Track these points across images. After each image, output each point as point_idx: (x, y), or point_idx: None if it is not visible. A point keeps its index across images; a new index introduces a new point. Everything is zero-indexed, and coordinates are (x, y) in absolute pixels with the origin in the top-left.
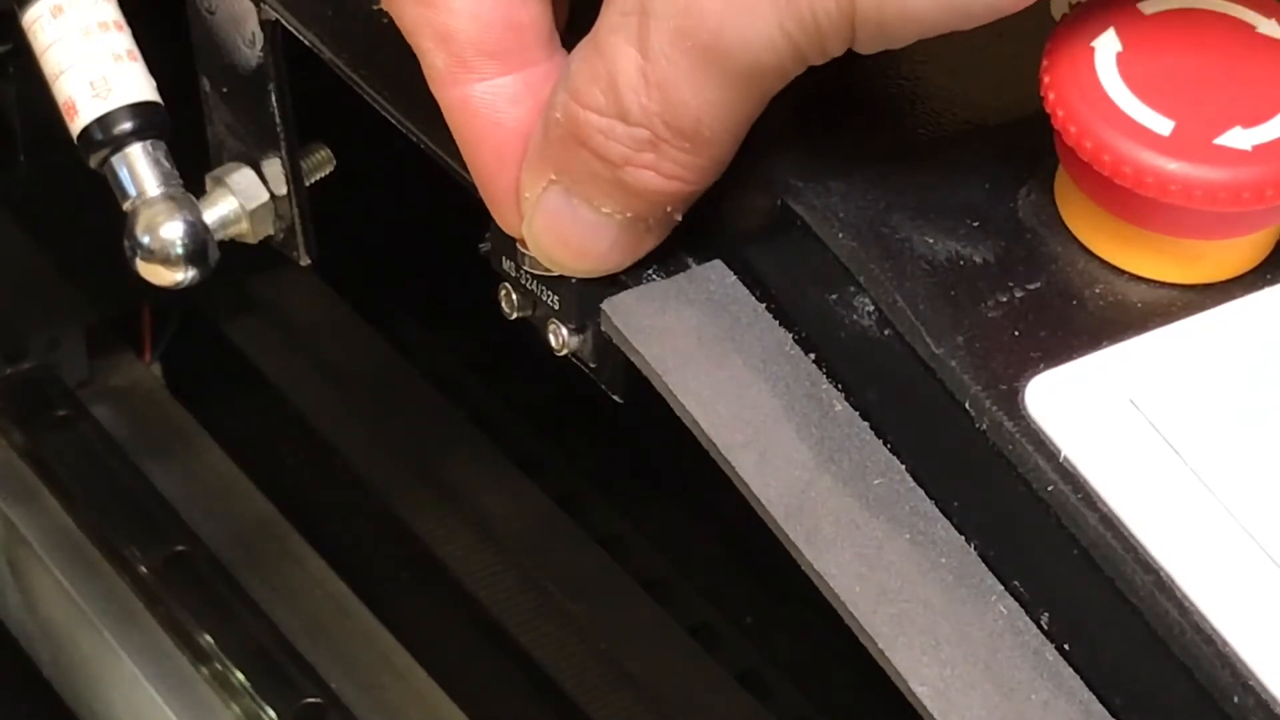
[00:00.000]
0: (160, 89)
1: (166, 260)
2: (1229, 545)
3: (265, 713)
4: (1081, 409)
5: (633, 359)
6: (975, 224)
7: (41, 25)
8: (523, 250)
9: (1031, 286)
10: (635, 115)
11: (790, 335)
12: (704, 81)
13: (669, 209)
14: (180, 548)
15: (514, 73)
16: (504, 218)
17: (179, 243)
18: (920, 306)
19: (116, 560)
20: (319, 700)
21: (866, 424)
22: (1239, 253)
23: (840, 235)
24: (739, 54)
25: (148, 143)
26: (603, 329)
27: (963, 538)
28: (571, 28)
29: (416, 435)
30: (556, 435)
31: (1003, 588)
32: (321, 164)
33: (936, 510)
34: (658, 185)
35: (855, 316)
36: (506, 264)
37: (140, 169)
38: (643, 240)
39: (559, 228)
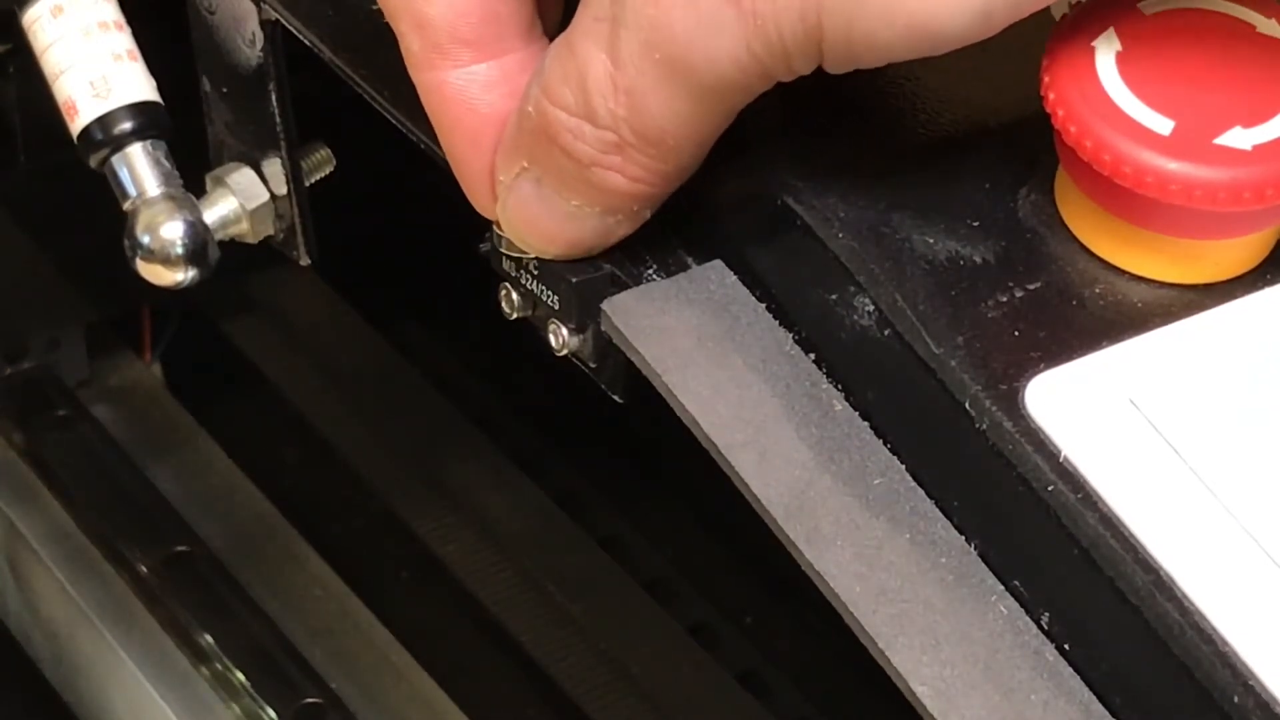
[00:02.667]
0: (160, 89)
1: (166, 260)
2: (1229, 545)
3: (265, 713)
4: (1081, 409)
5: (633, 359)
6: (975, 224)
7: (41, 25)
8: (499, 232)
9: (1031, 286)
10: (603, 119)
11: (790, 335)
12: (670, 93)
13: (636, 208)
14: (180, 548)
15: (489, 60)
16: (477, 199)
17: (179, 243)
18: (920, 306)
19: (116, 560)
20: (319, 700)
21: (866, 424)
22: (1239, 253)
23: (840, 235)
24: (705, 70)
25: (148, 143)
26: (603, 329)
27: (963, 538)
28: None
29: (416, 435)
30: (556, 435)
31: (1003, 588)
32: (321, 164)
33: (936, 510)
34: (623, 187)
35: (855, 316)
36: (506, 264)
37: (140, 169)
38: (613, 231)
39: (530, 214)
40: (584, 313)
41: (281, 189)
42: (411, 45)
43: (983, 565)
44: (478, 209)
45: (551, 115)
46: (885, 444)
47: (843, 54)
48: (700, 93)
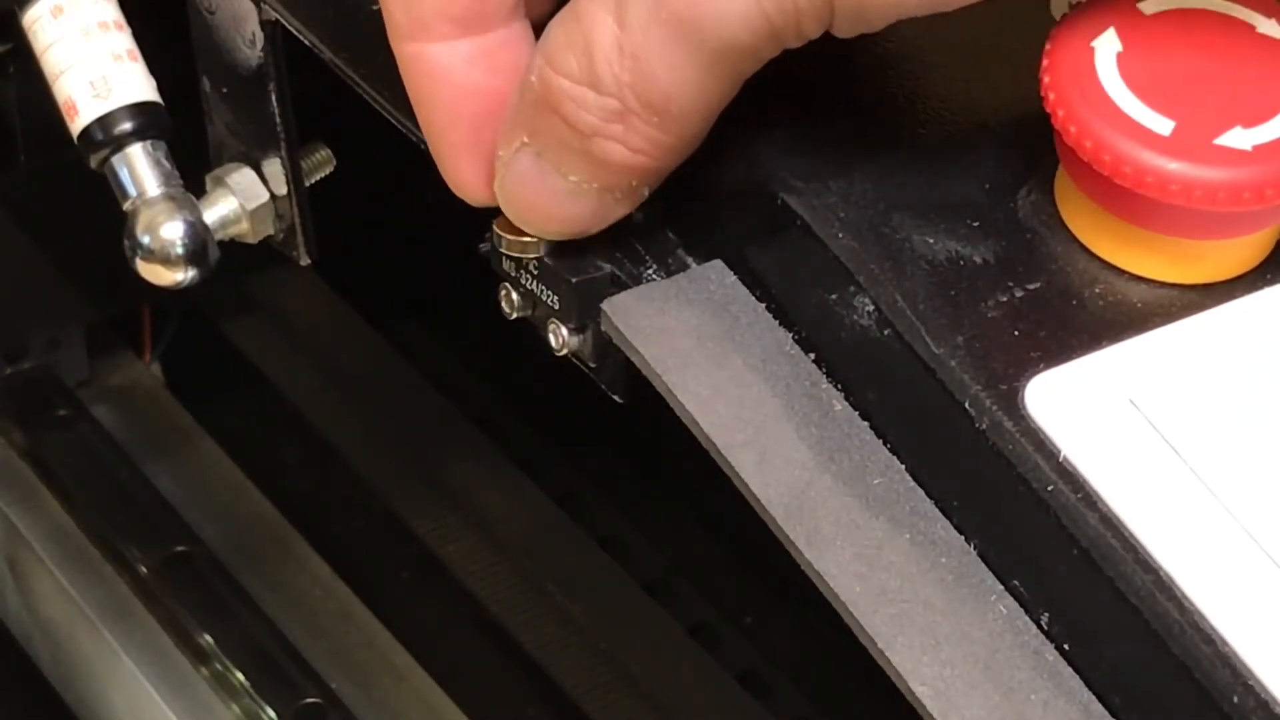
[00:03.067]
0: (160, 89)
1: (166, 260)
2: (1229, 545)
3: (265, 713)
4: (1081, 409)
5: (633, 359)
6: (975, 224)
7: (42, 25)
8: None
9: (1031, 286)
10: (607, 85)
11: (790, 335)
12: (678, 57)
13: (635, 183)
14: (180, 548)
15: (471, 36)
16: (451, 176)
17: (179, 243)
18: (920, 306)
19: (116, 560)
20: (319, 700)
21: (866, 424)
22: (1239, 253)
23: (840, 235)
24: (715, 31)
25: (148, 143)
26: (603, 329)
27: (963, 538)
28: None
29: (416, 435)
30: (556, 435)
31: (1003, 588)
32: (321, 164)
33: (936, 510)
34: (624, 158)
35: (855, 316)
36: (507, 264)
37: (140, 169)
38: (610, 210)
39: (527, 191)
40: (584, 313)
41: (281, 189)
42: (396, 17)
43: (983, 565)
44: (450, 185)
45: (554, 84)
46: (885, 444)
47: (853, 14)
48: (708, 57)
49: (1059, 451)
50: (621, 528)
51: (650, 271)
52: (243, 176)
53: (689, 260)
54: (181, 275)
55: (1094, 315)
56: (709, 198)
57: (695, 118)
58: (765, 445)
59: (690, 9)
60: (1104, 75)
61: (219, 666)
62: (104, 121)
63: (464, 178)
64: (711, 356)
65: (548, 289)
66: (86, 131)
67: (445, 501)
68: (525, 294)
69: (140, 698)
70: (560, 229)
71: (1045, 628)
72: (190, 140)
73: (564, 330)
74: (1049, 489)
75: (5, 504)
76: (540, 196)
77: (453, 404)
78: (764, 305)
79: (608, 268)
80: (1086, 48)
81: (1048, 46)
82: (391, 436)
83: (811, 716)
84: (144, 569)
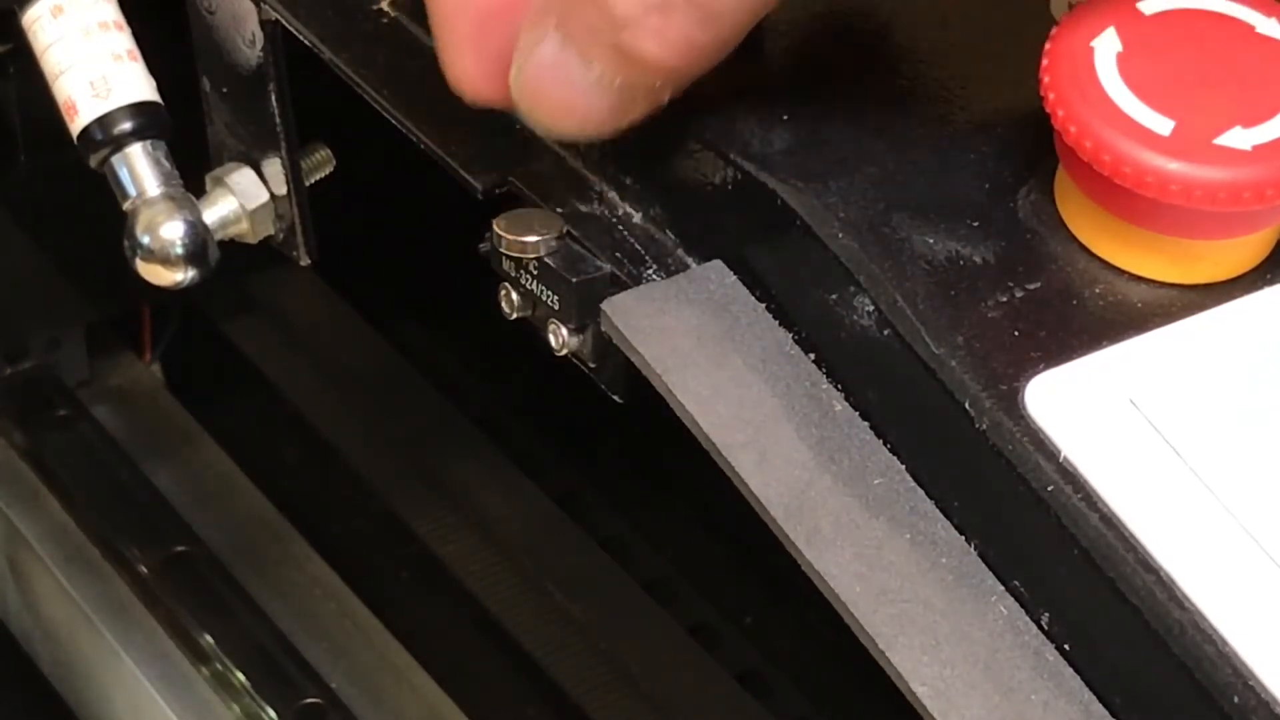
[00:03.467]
0: (160, 89)
1: (166, 260)
2: (1229, 545)
3: (265, 713)
4: (1081, 409)
5: (632, 359)
6: (975, 224)
7: (41, 25)
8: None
9: (1031, 286)
10: None
11: (790, 335)
12: None
13: (658, 84)
14: (180, 548)
15: None
16: (451, 69)
17: (179, 243)
18: (920, 306)
19: (116, 560)
20: (319, 700)
21: (866, 424)
22: (1239, 253)
23: (840, 235)
24: None
25: (148, 143)
26: (603, 329)
27: (963, 538)
28: None
29: (416, 435)
30: (556, 435)
31: (1003, 588)
32: (321, 164)
33: (936, 510)
34: (654, 55)
35: (855, 316)
36: (506, 264)
37: (140, 169)
38: (627, 111)
39: (546, 81)
40: (584, 313)
41: (281, 189)
42: None
43: (983, 565)
44: (449, 79)
45: None
46: (885, 444)
47: None
48: None
49: (1059, 452)
50: (621, 528)
51: (650, 271)
52: (243, 176)
53: (689, 260)
54: (181, 275)
55: (1094, 315)
56: (709, 198)
57: (735, 21)
58: (765, 445)
59: None
60: (1104, 75)
61: (219, 666)
62: (104, 121)
63: (465, 72)
64: (711, 356)
65: (548, 289)
66: (86, 131)
67: (445, 501)
68: (525, 294)
69: (140, 698)
70: (575, 126)
71: (1045, 628)
72: (190, 140)
73: (564, 330)
74: (1049, 489)
75: (5, 504)
76: (559, 88)
77: (453, 404)
78: (764, 305)
79: (608, 268)
80: (1086, 48)
81: (1048, 46)
82: (391, 436)
83: (811, 716)
84: (144, 569)
